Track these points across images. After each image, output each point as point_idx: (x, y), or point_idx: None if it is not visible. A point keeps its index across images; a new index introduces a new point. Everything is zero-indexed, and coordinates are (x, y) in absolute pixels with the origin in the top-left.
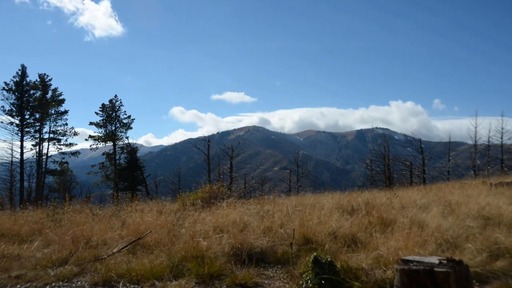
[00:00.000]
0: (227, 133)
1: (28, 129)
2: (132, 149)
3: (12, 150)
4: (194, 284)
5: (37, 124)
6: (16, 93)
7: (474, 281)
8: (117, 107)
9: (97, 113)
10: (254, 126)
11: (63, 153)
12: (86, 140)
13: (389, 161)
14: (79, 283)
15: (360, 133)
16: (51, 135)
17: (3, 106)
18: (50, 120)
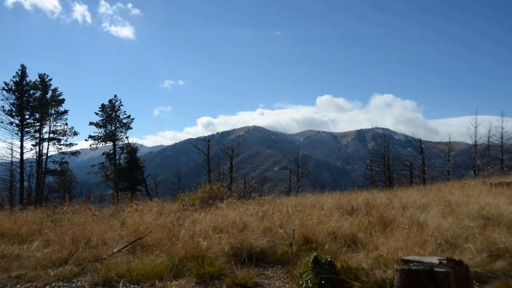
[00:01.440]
0: (227, 133)
1: (28, 129)
2: (132, 149)
3: (12, 150)
4: (194, 284)
5: (37, 124)
6: (16, 93)
7: (474, 281)
8: (117, 107)
9: (96, 113)
10: (254, 126)
11: (63, 153)
12: (86, 140)
13: (389, 161)
14: (79, 283)
15: (360, 133)
16: (51, 135)
17: (3, 106)
18: (50, 120)
